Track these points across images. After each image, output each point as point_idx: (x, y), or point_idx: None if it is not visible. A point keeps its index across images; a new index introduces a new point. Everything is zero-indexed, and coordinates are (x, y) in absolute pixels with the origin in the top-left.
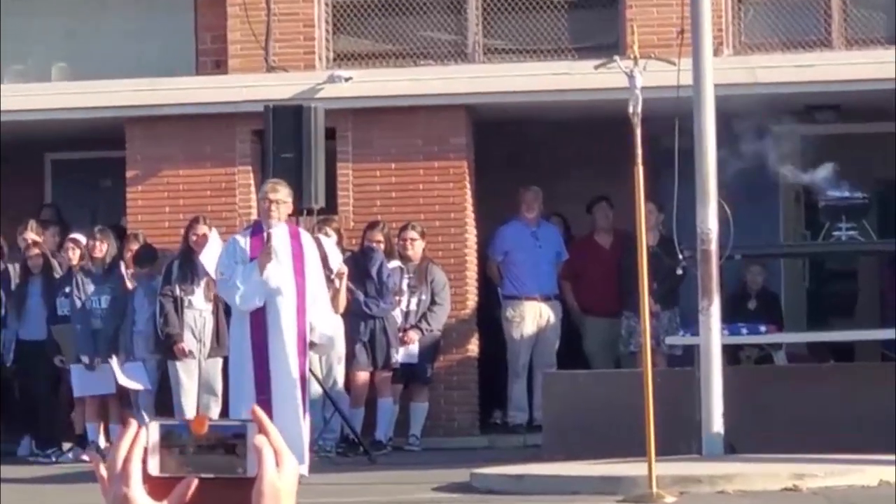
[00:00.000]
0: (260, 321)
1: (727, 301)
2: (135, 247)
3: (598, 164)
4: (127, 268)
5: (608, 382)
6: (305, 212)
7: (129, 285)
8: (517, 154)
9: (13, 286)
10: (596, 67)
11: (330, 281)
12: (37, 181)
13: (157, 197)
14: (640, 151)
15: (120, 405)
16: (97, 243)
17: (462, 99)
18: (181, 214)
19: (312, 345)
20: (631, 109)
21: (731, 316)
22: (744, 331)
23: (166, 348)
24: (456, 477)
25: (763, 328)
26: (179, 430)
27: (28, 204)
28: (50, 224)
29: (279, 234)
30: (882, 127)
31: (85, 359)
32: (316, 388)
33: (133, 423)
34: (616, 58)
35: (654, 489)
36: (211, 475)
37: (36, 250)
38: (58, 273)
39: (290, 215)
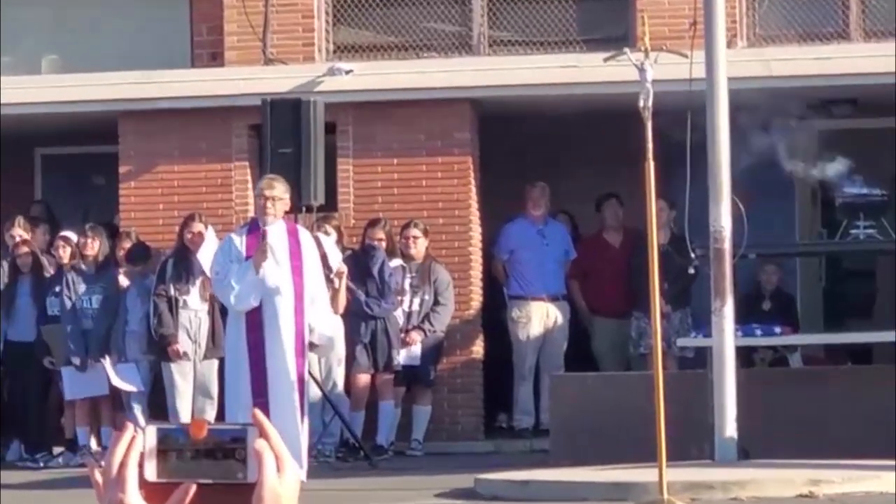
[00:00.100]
0: (256, 322)
1: (741, 301)
2: (127, 245)
3: (607, 160)
4: (119, 266)
5: (617, 385)
6: (304, 209)
7: (122, 284)
8: (523, 149)
9: (1, 285)
10: (605, 60)
11: (329, 280)
12: (26, 177)
13: (151, 193)
14: (650, 147)
15: (112, 408)
16: (88, 241)
17: (466, 92)
18: (176, 212)
19: (312, 346)
20: (641, 103)
21: (745, 317)
22: (758, 332)
23: (160, 349)
24: (460, 483)
25: (778, 329)
26: (177, 434)
27: (17, 200)
28: (40, 221)
29: (276, 231)
30: None
31: (76, 360)
32: (315, 391)
33: (129, 427)
34: (626, 50)
35: (665, 496)
36: (210, 481)
37: (25, 248)
38: (48, 272)
39: (287, 213)
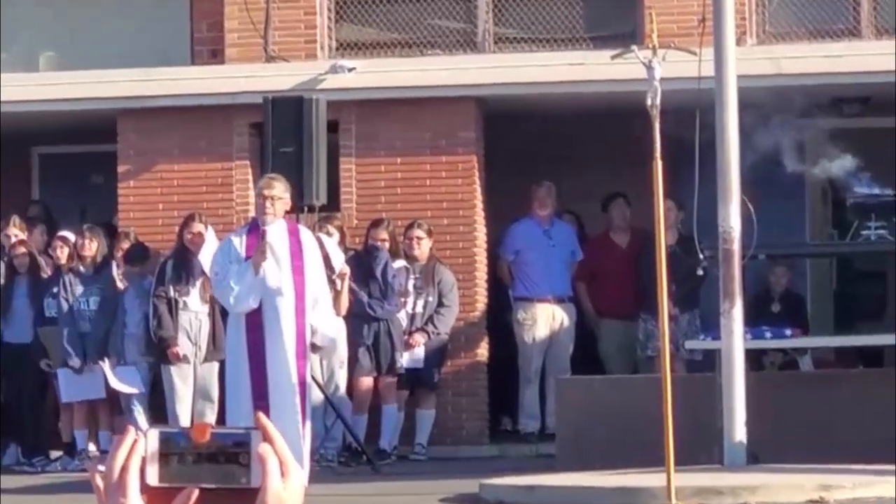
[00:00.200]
0: (256, 323)
1: (750, 303)
2: (125, 245)
3: (614, 159)
4: (118, 267)
5: (625, 388)
6: (306, 209)
7: (120, 285)
8: (529, 148)
9: None
10: (612, 58)
11: (331, 282)
12: (24, 177)
13: (150, 193)
14: (658, 146)
15: (110, 411)
16: (86, 242)
17: (471, 91)
18: (176, 212)
19: (314, 347)
20: (649, 102)
21: (755, 319)
22: (767, 334)
23: (160, 352)
24: (464, 488)
25: (788, 332)
26: (179, 438)
27: (14, 200)
28: (37, 221)
29: (276, 231)
30: None
31: (73, 362)
32: (317, 394)
33: (131, 431)
34: (634, 47)
35: (674, 501)
36: (212, 485)
37: (22, 249)
38: (45, 273)
39: (288, 212)
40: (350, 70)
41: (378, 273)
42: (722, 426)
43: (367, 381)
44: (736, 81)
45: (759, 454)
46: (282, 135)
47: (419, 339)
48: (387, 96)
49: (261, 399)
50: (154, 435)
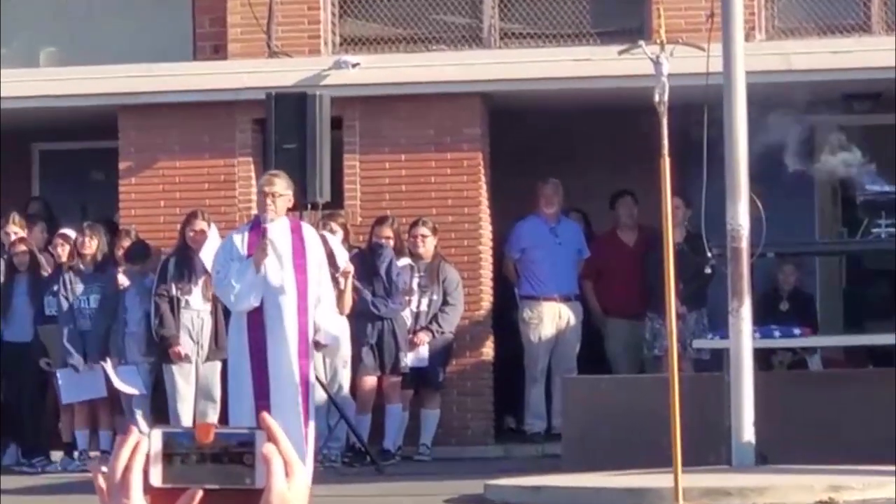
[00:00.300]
0: (258, 322)
1: (758, 302)
2: (126, 243)
3: (621, 156)
4: (118, 266)
5: (631, 388)
6: (310, 206)
7: (121, 284)
8: (535, 145)
9: None
10: (620, 53)
11: (335, 280)
12: (24, 173)
13: (151, 190)
14: (666, 143)
15: (111, 411)
16: (86, 239)
17: (477, 86)
18: (178, 209)
19: (317, 345)
20: (657, 98)
21: (763, 318)
22: (776, 334)
23: (161, 351)
24: (469, 488)
25: (797, 331)
26: (183, 438)
27: (14, 197)
28: (38, 219)
29: (278, 228)
30: None
31: (73, 361)
32: (320, 394)
33: (134, 431)
34: (641, 43)
35: (681, 502)
36: (216, 486)
37: (22, 246)
38: (45, 271)
39: (291, 210)
40: (354, 65)
41: (382, 271)
42: (730, 426)
43: (370, 381)
44: (744, 77)
45: (768, 454)
46: (285, 131)
47: (424, 337)
48: (391, 92)
49: (262, 398)
50: (157, 435)
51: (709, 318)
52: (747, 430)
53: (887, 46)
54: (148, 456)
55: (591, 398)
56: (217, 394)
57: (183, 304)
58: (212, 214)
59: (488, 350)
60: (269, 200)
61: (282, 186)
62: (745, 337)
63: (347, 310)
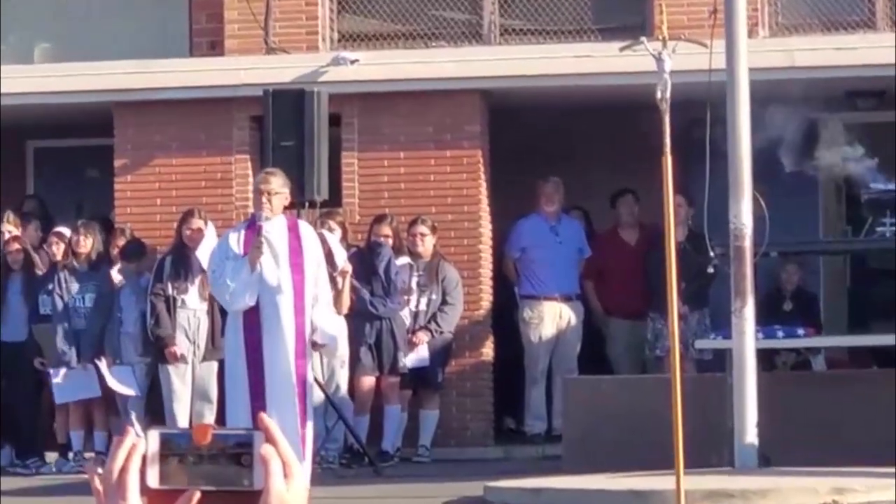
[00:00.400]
0: (254, 322)
1: (762, 302)
2: (121, 242)
3: (623, 154)
4: (113, 264)
5: (633, 389)
6: (307, 204)
7: (116, 282)
8: (536, 143)
9: None
10: (621, 49)
11: (333, 279)
12: (18, 171)
13: (147, 188)
14: (668, 140)
15: (106, 412)
16: (81, 238)
17: (477, 83)
18: (174, 207)
19: (314, 345)
20: (659, 95)
21: (766, 318)
22: (780, 334)
23: (157, 351)
24: (469, 490)
25: (800, 331)
26: (180, 440)
27: (9, 195)
28: (32, 217)
29: (274, 227)
30: None
31: (68, 357)
32: (318, 394)
33: (130, 432)
34: (643, 39)
35: None
36: (214, 488)
37: (16, 245)
38: (40, 269)
39: (288, 208)
40: (352, 62)
41: (381, 270)
42: (733, 428)
43: (368, 381)
44: (748, 74)
45: (771, 456)
46: (282, 128)
47: (423, 337)
48: (390, 89)
49: (258, 399)
50: (154, 436)
51: (711, 318)
52: (750, 431)
53: (892, 43)
54: (145, 457)
55: (592, 399)
56: (214, 394)
57: (179, 303)
58: (209, 213)
59: (488, 350)
60: (264, 198)
61: (278, 185)
62: (747, 337)
63: (346, 309)
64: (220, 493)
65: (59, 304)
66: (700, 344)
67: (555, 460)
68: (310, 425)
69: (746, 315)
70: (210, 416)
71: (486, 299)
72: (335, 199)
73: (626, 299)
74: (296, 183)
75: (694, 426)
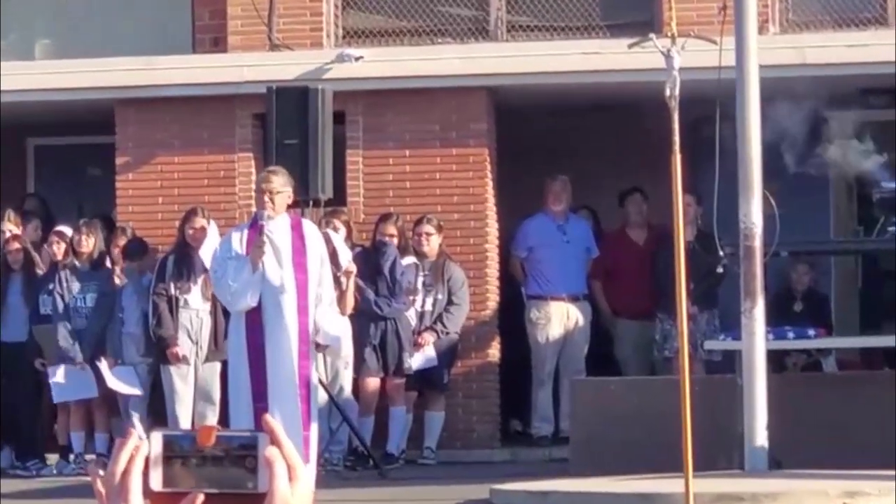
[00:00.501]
0: (257, 322)
1: (772, 302)
2: (123, 241)
3: (631, 152)
4: (115, 263)
5: (641, 390)
6: (311, 203)
7: (118, 282)
8: (543, 141)
9: None
10: (630, 46)
11: (337, 279)
12: (19, 169)
13: (149, 186)
14: (677, 138)
15: (107, 413)
16: (82, 237)
17: (483, 80)
18: (176, 206)
19: (317, 346)
20: (668, 92)
21: (776, 318)
22: (790, 335)
23: (159, 352)
24: (475, 493)
25: (811, 332)
26: (184, 441)
27: (9, 194)
28: (33, 216)
29: (277, 226)
30: None
31: (72, 354)
32: (322, 396)
33: (133, 434)
34: (652, 36)
35: None
36: (217, 490)
37: (16, 244)
38: (40, 269)
39: (291, 207)
40: (357, 59)
41: (386, 270)
42: (742, 430)
43: (373, 382)
44: (758, 71)
45: (782, 459)
46: (286, 126)
47: (428, 338)
48: (395, 86)
49: (260, 400)
50: (158, 438)
51: (721, 319)
52: (760, 433)
53: None
54: (148, 459)
55: (599, 401)
56: (216, 395)
57: (182, 303)
58: (211, 211)
59: (494, 351)
60: (266, 198)
61: (280, 183)
62: (758, 338)
63: (349, 310)
64: (223, 496)
65: (60, 304)
66: (709, 345)
67: (562, 463)
68: (314, 427)
69: (756, 316)
70: (213, 418)
71: (493, 299)
72: (339, 197)
73: (634, 300)
74: (299, 181)
75: (703, 428)
